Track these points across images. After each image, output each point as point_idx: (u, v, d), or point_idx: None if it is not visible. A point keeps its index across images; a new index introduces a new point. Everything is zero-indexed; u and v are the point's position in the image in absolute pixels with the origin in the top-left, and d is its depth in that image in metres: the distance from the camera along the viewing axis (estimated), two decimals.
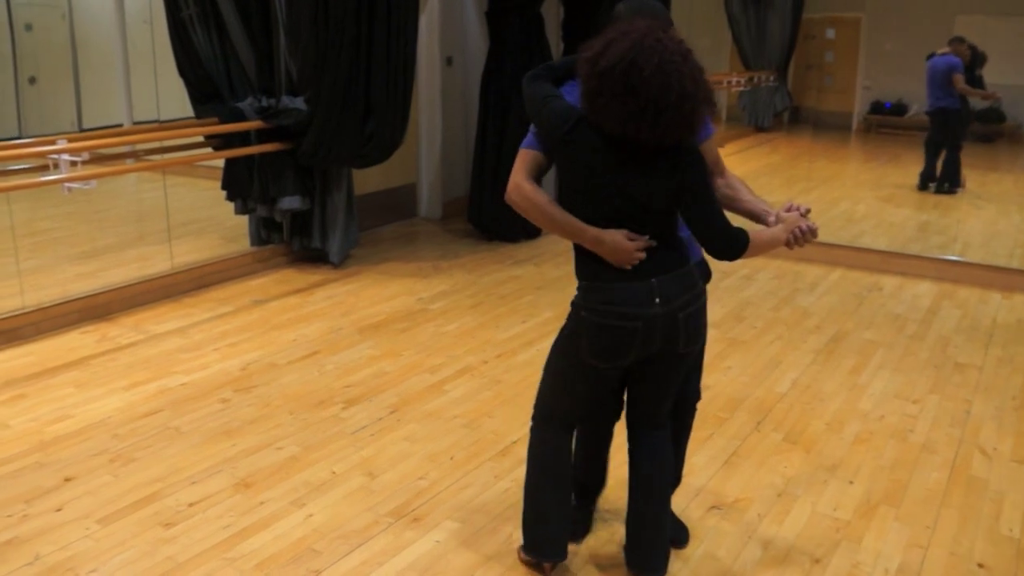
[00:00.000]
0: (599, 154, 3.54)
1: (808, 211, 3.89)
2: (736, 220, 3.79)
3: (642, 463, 4.06)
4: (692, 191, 3.62)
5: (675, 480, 4.51)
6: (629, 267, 3.61)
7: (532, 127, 3.80)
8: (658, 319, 3.65)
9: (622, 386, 4.10)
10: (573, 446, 4.15)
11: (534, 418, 4.11)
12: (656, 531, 4.06)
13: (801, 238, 3.82)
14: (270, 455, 5.22)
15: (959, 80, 10.76)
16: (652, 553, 4.07)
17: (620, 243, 3.59)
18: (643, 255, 3.60)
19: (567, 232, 3.69)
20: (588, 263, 3.72)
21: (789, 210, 3.89)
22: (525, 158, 3.76)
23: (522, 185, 3.71)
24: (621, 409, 4.27)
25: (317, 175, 8.54)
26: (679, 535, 4.48)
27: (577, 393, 3.97)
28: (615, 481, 4.69)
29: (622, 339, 3.68)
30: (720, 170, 4.07)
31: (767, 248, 3.80)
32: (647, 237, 3.63)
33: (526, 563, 4.23)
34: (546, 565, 4.16)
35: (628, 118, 3.40)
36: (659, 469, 4.06)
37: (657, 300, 3.64)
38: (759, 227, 3.87)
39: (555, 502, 4.07)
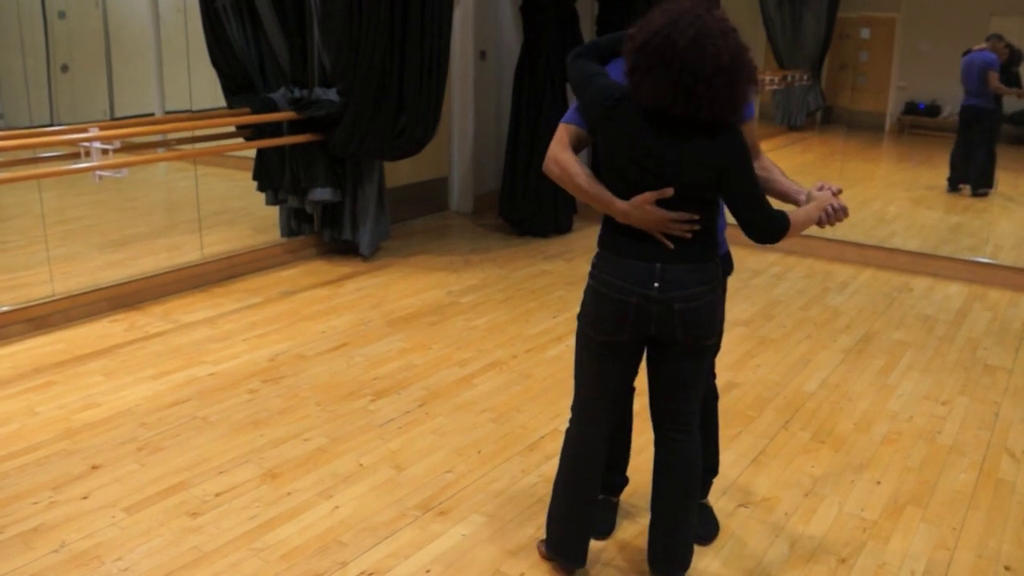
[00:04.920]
0: (638, 131, 3.55)
1: (840, 191, 3.92)
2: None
3: (663, 467, 4.02)
4: (732, 174, 3.60)
5: (712, 469, 4.54)
6: (665, 233, 3.61)
7: (574, 102, 3.85)
8: (653, 302, 3.65)
9: (633, 373, 4.05)
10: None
11: (571, 419, 4.08)
12: (674, 536, 4.02)
13: (833, 216, 3.85)
14: (297, 446, 5.23)
15: (994, 78, 10.59)
16: (671, 556, 4.04)
17: (648, 209, 3.58)
18: (684, 227, 3.60)
19: (597, 202, 3.73)
20: (609, 234, 3.78)
21: (820, 189, 3.93)
22: (565, 131, 3.83)
23: (560, 156, 3.79)
24: (631, 393, 4.25)
25: (348, 167, 8.55)
26: (708, 531, 4.48)
27: (587, 374, 3.96)
28: (644, 477, 4.67)
29: (615, 311, 3.70)
30: (756, 153, 4.06)
31: (802, 228, 3.78)
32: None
33: (547, 559, 4.23)
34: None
35: (662, 91, 3.42)
36: (681, 475, 3.99)
37: (656, 284, 3.64)
38: (789, 206, 3.88)
39: (577, 502, 4.05)
